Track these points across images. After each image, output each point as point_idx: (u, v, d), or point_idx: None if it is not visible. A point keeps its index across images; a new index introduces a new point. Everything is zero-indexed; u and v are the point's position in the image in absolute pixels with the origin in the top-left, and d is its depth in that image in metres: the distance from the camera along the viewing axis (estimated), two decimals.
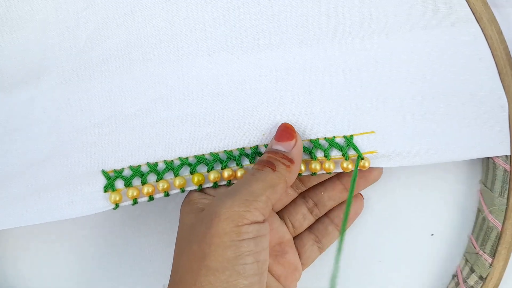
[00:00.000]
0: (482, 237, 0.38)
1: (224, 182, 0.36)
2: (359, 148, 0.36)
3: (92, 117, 0.35)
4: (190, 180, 0.35)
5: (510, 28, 0.37)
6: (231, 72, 0.36)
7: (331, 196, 0.38)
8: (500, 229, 0.37)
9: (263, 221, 0.31)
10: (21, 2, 0.35)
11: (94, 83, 0.35)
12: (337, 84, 0.36)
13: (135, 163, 0.35)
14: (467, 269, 0.39)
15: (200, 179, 0.35)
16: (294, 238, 0.38)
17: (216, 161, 0.36)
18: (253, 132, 0.36)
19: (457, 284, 0.39)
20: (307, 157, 0.36)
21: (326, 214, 0.39)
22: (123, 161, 0.35)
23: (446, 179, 0.40)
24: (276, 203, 0.37)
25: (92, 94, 0.35)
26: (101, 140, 0.35)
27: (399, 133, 0.36)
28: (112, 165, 0.35)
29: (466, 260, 0.39)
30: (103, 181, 0.35)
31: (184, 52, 0.36)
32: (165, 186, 0.35)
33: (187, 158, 0.36)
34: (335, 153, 0.36)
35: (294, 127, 0.35)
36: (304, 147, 0.36)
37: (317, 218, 0.39)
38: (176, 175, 0.35)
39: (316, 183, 0.38)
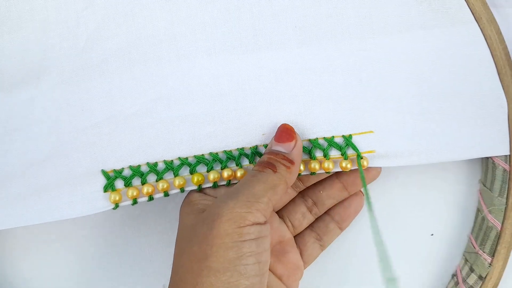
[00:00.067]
0: (482, 237, 0.38)
1: (224, 182, 0.36)
2: (358, 147, 0.36)
3: (92, 117, 0.35)
4: (190, 180, 0.35)
5: (509, 28, 0.37)
6: (231, 72, 0.36)
7: (330, 195, 0.38)
8: (499, 228, 0.37)
9: (265, 222, 0.31)
10: (21, 2, 0.35)
11: (94, 83, 0.35)
12: (337, 84, 0.36)
13: (135, 163, 0.35)
14: (466, 268, 0.39)
15: (200, 179, 0.35)
16: (295, 236, 0.39)
17: (216, 161, 0.36)
18: (253, 132, 0.36)
19: (457, 283, 0.39)
20: (306, 157, 0.36)
21: (326, 212, 0.39)
22: (123, 161, 0.35)
23: (445, 179, 0.41)
24: (276, 203, 0.37)
25: (92, 94, 0.35)
26: (101, 140, 0.35)
27: (399, 133, 0.36)
28: (112, 165, 0.35)
29: (466, 260, 0.39)
30: (103, 181, 0.35)
31: (184, 52, 0.36)
32: (165, 186, 0.35)
33: (186, 158, 0.36)
34: (334, 153, 0.36)
35: (294, 127, 0.35)
36: (304, 147, 0.36)
37: (316, 217, 0.39)
38: (175, 175, 0.35)
39: (315, 181, 0.38)
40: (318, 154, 0.36)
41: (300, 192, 0.39)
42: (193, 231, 0.32)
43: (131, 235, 0.41)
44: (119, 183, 0.35)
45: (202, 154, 0.36)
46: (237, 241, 0.30)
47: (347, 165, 0.36)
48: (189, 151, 0.36)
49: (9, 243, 0.40)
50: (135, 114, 0.35)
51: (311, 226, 0.39)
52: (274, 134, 0.35)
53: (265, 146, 0.36)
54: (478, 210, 0.40)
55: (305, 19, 0.36)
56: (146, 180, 0.35)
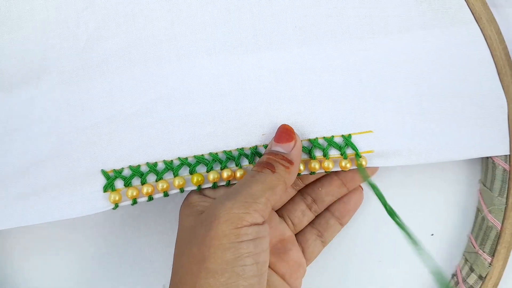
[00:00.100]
0: (482, 237, 0.38)
1: (224, 183, 0.36)
2: (357, 147, 0.36)
3: (92, 117, 0.35)
4: (190, 180, 0.35)
5: (509, 28, 0.37)
6: (231, 72, 0.36)
7: (329, 192, 0.38)
8: (499, 228, 0.37)
9: (263, 223, 0.31)
10: (21, 2, 0.35)
11: (95, 83, 0.35)
12: (337, 84, 0.36)
13: (134, 163, 0.35)
14: (466, 268, 0.39)
15: (200, 179, 0.35)
16: (296, 234, 0.39)
17: (216, 161, 0.36)
18: (252, 132, 0.36)
19: (457, 283, 0.39)
20: (306, 157, 0.36)
21: (326, 208, 0.39)
22: (123, 161, 0.35)
23: (445, 179, 0.41)
24: (275, 203, 0.37)
25: (92, 94, 0.35)
26: (101, 140, 0.35)
27: (398, 132, 0.36)
28: (112, 165, 0.35)
29: (466, 260, 0.39)
30: (102, 181, 0.35)
31: (184, 52, 0.36)
32: (165, 186, 0.35)
33: (186, 158, 0.36)
34: (334, 152, 0.36)
35: (294, 127, 0.35)
36: (304, 147, 0.36)
37: (316, 214, 0.39)
38: (175, 175, 0.35)
39: (314, 179, 0.38)
40: (318, 153, 0.36)
41: (299, 190, 0.39)
42: (192, 232, 0.32)
43: (131, 235, 0.41)
44: (119, 183, 0.35)
45: (202, 154, 0.36)
46: (234, 242, 0.30)
47: (347, 165, 0.36)
48: (189, 151, 0.36)
49: (9, 243, 0.40)
50: (135, 114, 0.35)
51: (311, 223, 0.39)
52: (274, 135, 0.35)
53: (265, 146, 0.36)
54: (478, 210, 0.40)
55: (305, 19, 0.36)
56: (146, 180, 0.35)
